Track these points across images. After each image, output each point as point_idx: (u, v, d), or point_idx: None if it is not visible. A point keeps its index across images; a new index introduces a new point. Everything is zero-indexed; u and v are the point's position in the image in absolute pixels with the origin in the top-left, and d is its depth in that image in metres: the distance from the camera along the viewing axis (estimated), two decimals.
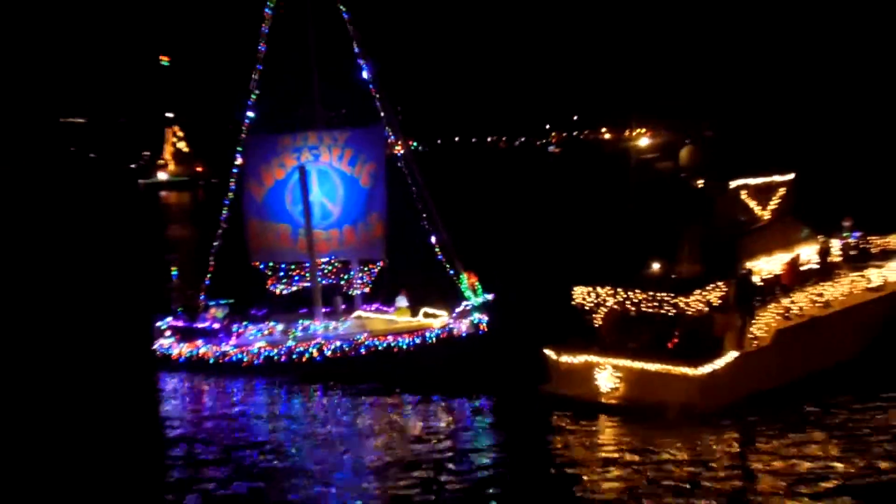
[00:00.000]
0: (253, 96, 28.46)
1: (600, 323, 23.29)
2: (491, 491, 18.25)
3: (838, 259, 25.85)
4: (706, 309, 21.82)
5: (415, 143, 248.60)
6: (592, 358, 22.50)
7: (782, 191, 25.10)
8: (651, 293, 22.36)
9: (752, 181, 24.49)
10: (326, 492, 18.79)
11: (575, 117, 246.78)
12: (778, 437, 20.03)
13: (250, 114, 28.72)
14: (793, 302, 23.05)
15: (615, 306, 22.89)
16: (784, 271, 24.00)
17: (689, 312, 21.82)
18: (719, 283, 22.01)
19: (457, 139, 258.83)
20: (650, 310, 22.28)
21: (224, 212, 29.38)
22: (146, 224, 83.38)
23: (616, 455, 19.76)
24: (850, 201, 47.56)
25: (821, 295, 23.77)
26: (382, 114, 27.66)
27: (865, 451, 19.05)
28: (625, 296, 22.72)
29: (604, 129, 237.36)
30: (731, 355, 21.59)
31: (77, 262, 55.99)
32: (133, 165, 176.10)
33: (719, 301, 21.92)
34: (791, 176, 25.35)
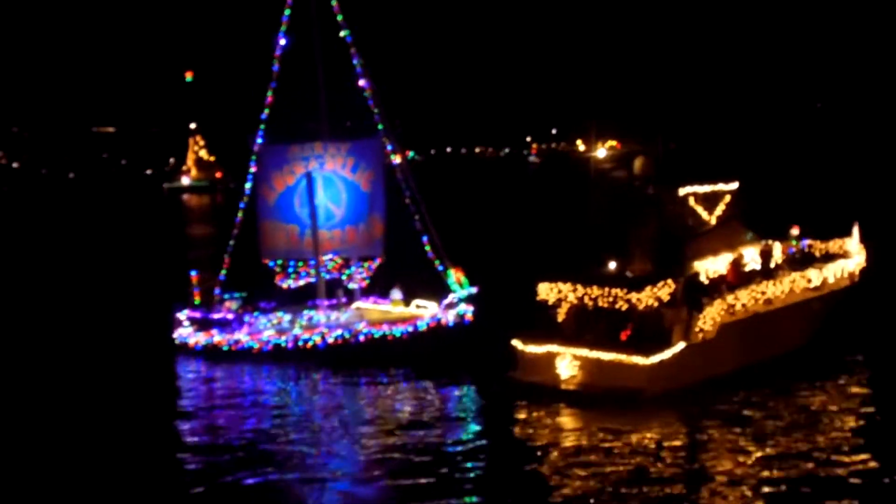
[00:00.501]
0: (266, 111, 28.46)
1: (562, 316, 23.33)
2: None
3: (780, 261, 25.76)
4: (656, 304, 21.91)
5: (412, 153, 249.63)
6: (554, 348, 22.54)
7: (728, 198, 25.06)
8: (606, 289, 22.40)
9: (699, 189, 24.50)
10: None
11: (554, 130, 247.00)
12: (722, 424, 20.00)
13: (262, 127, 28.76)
14: (736, 299, 23.07)
15: (575, 301, 22.92)
16: (728, 271, 24.02)
17: (641, 307, 21.88)
18: (668, 281, 22.10)
19: (448, 150, 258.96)
20: (605, 304, 22.39)
21: (239, 214, 29.32)
22: (169, 224, 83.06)
23: (572, 439, 19.66)
24: (795, 208, 48.11)
25: (763, 293, 23.80)
26: (381, 127, 27.76)
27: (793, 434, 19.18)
28: (583, 291, 22.73)
29: (578, 141, 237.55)
30: (679, 346, 21.79)
31: (106, 259, 55.78)
32: (158, 172, 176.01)
33: (668, 297, 21.99)
34: (735, 185, 25.25)
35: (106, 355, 28.69)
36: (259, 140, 28.82)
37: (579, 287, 22.78)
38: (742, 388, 22.02)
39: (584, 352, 22.14)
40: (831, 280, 25.76)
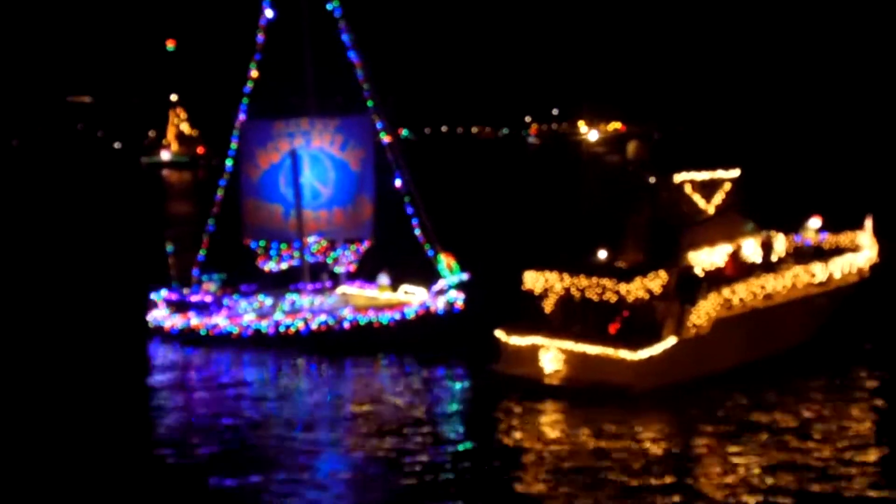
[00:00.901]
0: (249, 84, 28.46)
1: (549, 306, 23.19)
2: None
3: (784, 254, 25.49)
4: (647, 296, 21.77)
5: (405, 132, 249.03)
6: (538, 340, 22.37)
7: (728, 186, 24.83)
8: (595, 279, 22.24)
9: (696, 176, 24.26)
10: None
11: (555, 111, 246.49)
12: (717, 423, 19.91)
13: (246, 100, 28.76)
14: (733, 293, 22.89)
15: (561, 291, 22.76)
16: (727, 263, 23.85)
17: (630, 299, 21.75)
18: (660, 273, 21.96)
19: (444, 129, 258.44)
20: (593, 296, 22.22)
21: (219, 192, 29.34)
22: (147, 201, 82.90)
23: (554, 441, 19.48)
24: (806, 198, 48.10)
25: (763, 287, 23.59)
26: (371, 103, 27.78)
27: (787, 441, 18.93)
28: (570, 281, 22.59)
29: (580, 122, 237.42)
30: (670, 341, 21.61)
31: (80, 237, 55.74)
32: (136, 145, 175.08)
33: (660, 289, 21.86)
34: (737, 172, 25.00)
35: (77, 339, 28.74)
36: (242, 115, 28.85)
37: (566, 276, 22.61)
38: (739, 385, 21.97)
39: (570, 345, 21.92)
40: (838, 275, 25.60)
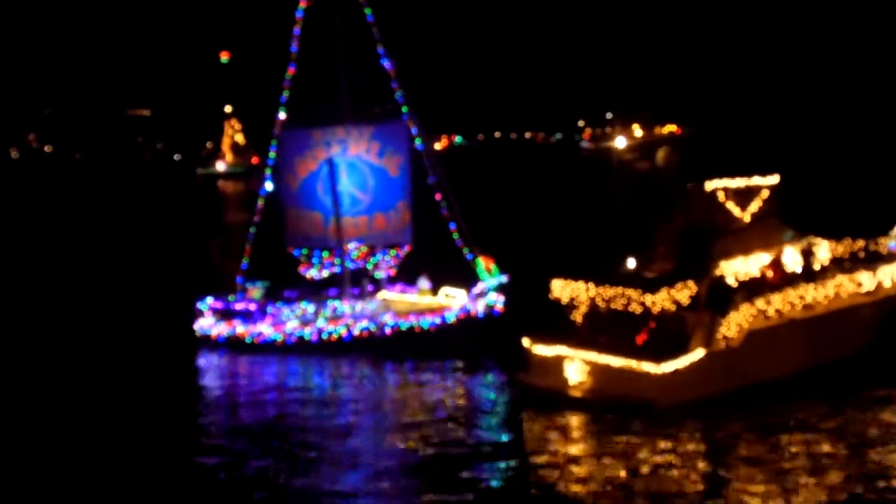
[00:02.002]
0: (286, 94, 28.92)
1: (579, 316, 22.80)
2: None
3: (827, 262, 24.31)
4: (673, 307, 21.16)
5: (458, 139, 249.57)
6: (563, 350, 21.94)
7: (765, 193, 23.88)
8: (620, 289, 21.70)
9: (730, 183, 23.42)
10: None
11: (609, 114, 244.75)
12: (752, 443, 19.05)
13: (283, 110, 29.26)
14: (769, 303, 22.13)
15: (587, 301, 22.35)
16: (764, 273, 23.06)
17: (655, 310, 21.16)
18: (689, 283, 21.39)
19: (497, 134, 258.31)
20: (619, 306, 21.70)
21: (259, 201, 29.85)
22: (201, 211, 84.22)
23: (578, 455, 19.14)
24: (851, 202, 47.06)
25: (801, 297, 22.77)
26: (405, 110, 28.12)
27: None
28: (595, 291, 22.16)
29: (634, 126, 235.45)
30: (698, 354, 20.94)
31: (135, 246, 56.89)
32: (193, 157, 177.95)
33: (689, 300, 21.25)
34: (775, 179, 24.01)
35: (127, 347, 29.39)
36: (278, 125, 29.30)
37: (591, 286, 22.21)
38: (776, 400, 21.07)
39: (594, 356, 21.41)
40: (888, 284, 24.40)
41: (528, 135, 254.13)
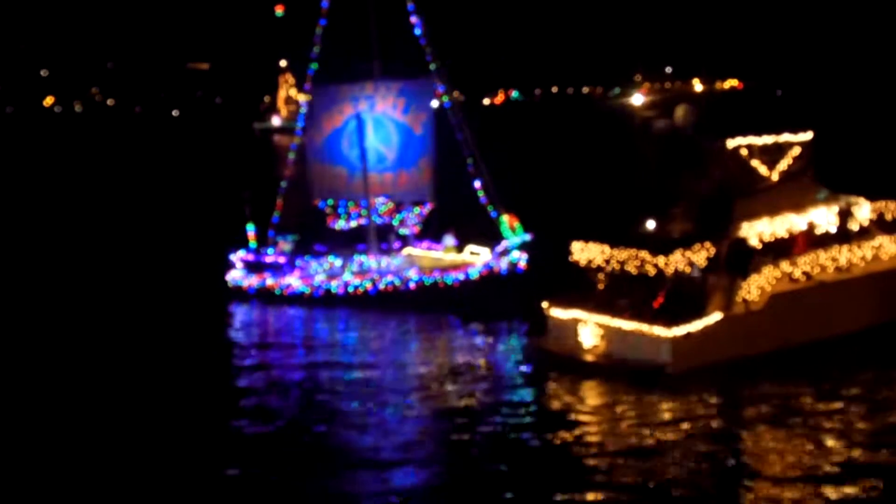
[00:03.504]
0: (315, 49, 28.98)
1: (598, 278, 22.22)
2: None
3: (867, 223, 23.15)
4: (688, 269, 20.52)
5: (515, 93, 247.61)
6: (578, 313, 21.51)
7: (796, 150, 22.69)
8: (633, 251, 21.08)
9: (755, 140, 22.24)
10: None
11: (668, 69, 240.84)
12: (773, 414, 18.05)
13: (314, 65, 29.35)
14: (794, 265, 21.36)
15: (603, 263, 21.75)
16: (793, 234, 22.13)
17: (669, 272, 20.54)
18: (707, 244, 20.73)
19: (555, 90, 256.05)
20: (633, 269, 21.11)
21: (290, 155, 30.09)
22: (254, 165, 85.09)
23: (590, 422, 18.44)
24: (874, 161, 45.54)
25: (834, 259, 21.91)
26: (433, 67, 28.05)
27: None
28: (610, 253, 21.57)
29: (695, 80, 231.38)
30: (714, 317, 20.31)
31: (179, 199, 57.85)
32: (251, 111, 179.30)
33: (705, 262, 20.61)
34: (808, 136, 22.86)
35: (161, 297, 30.11)
36: (309, 79, 29.46)
37: (606, 248, 21.66)
38: (799, 367, 20.31)
39: (607, 319, 21.01)
40: None
41: (585, 90, 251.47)
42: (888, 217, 24.19)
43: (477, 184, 27.68)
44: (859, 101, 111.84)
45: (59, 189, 67.64)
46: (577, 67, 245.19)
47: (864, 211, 23.21)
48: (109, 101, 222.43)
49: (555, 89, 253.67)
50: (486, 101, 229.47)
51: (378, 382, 21.17)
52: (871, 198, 23.81)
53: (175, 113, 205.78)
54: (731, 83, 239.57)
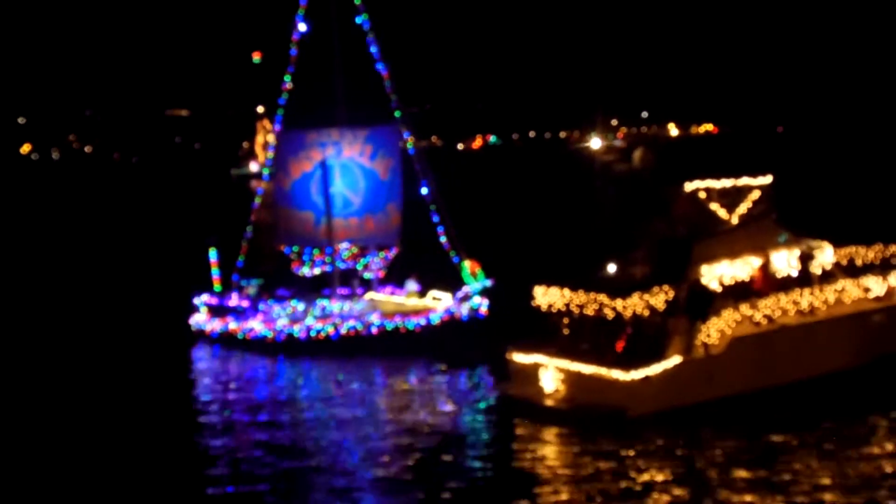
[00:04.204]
0: (284, 96, 29.34)
1: (560, 323, 21.98)
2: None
3: (830, 266, 22.99)
4: (647, 313, 20.44)
5: (493, 138, 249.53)
6: (539, 358, 21.28)
7: (755, 194, 22.71)
8: (592, 295, 20.99)
9: (713, 184, 22.32)
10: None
11: (644, 113, 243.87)
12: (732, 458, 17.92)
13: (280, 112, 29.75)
14: (754, 308, 21.26)
15: (562, 307, 21.61)
16: (754, 277, 22.06)
17: (627, 315, 20.51)
18: (665, 287, 20.64)
19: (532, 134, 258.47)
20: (591, 312, 21.02)
21: (256, 200, 30.28)
22: (228, 210, 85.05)
23: (555, 469, 18.13)
24: (858, 206, 46.17)
25: (795, 302, 21.80)
26: (398, 113, 28.54)
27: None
28: (570, 297, 21.46)
29: (670, 125, 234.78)
30: (672, 361, 20.12)
31: (162, 245, 57.91)
32: (228, 157, 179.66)
33: (664, 305, 20.48)
34: (767, 179, 22.87)
35: (126, 342, 30.01)
36: (277, 126, 29.74)
37: (567, 292, 21.55)
38: (761, 411, 20.08)
39: (566, 364, 20.75)
40: None
41: (562, 134, 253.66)
42: (857, 262, 24.28)
43: (440, 230, 27.96)
44: (829, 147, 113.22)
45: (32, 233, 67.56)
46: (551, 112, 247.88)
47: (827, 255, 23.10)
48: (87, 149, 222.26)
49: (532, 134, 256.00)
50: (461, 147, 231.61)
51: (335, 440, 20.43)
52: (837, 242, 23.79)
53: (132, 159, 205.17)
54: (706, 127, 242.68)
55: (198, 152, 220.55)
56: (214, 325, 29.31)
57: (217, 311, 29.65)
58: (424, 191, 28.37)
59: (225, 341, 28.89)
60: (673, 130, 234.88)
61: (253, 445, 20.02)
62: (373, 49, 28.50)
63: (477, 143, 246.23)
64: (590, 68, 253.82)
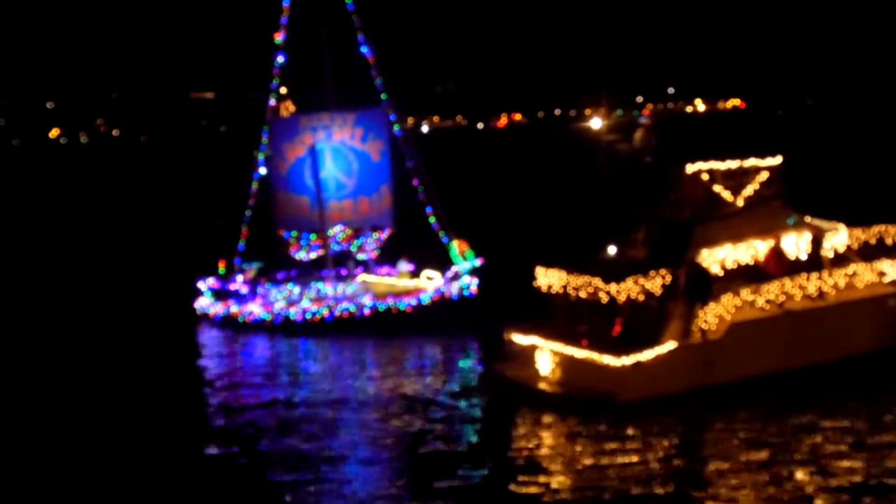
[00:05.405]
0: (275, 81, 29.87)
1: (557, 304, 21.63)
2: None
3: (843, 249, 22.43)
4: (642, 297, 20.09)
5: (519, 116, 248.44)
6: (536, 340, 21.16)
7: (764, 175, 22.07)
8: (587, 278, 20.65)
9: (717, 165, 21.73)
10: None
11: (670, 89, 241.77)
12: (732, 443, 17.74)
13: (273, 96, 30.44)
14: (756, 293, 20.73)
15: (561, 289, 21.29)
16: (761, 260, 21.50)
17: (621, 300, 20.14)
18: (663, 271, 20.30)
19: (557, 111, 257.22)
20: (585, 294, 20.65)
21: (253, 185, 30.87)
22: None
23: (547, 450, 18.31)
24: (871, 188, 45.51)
25: (802, 287, 21.16)
26: (385, 96, 29.04)
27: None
28: (567, 279, 21.14)
29: (697, 101, 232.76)
30: (668, 346, 19.80)
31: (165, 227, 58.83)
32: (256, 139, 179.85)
33: (662, 290, 20.18)
34: (776, 160, 22.19)
35: (132, 324, 30.91)
36: (270, 109, 30.39)
37: (563, 273, 21.25)
38: (762, 397, 19.78)
39: (560, 347, 20.58)
40: None
41: (587, 111, 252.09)
42: (878, 243, 23.54)
43: (428, 210, 28.49)
44: (851, 129, 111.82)
45: (49, 216, 68.85)
46: (567, 91, 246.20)
47: (840, 237, 22.52)
48: (115, 132, 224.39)
49: (557, 112, 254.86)
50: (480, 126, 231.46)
51: (332, 420, 20.72)
52: (851, 223, 23.21)
53: (157, 142, 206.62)
54: (733, 102, 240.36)
55: (223, 135, 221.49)
56: (218, 309, 30.02)
57: (219, 295, 30.36)
58: (413, 173, 28.88)
59: (227, 324, 29.62)
60: (700, 106, 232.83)
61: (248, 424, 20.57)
62: (359, 34, 28.97)
63: (502, 121, 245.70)
64: (613, 45, 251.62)
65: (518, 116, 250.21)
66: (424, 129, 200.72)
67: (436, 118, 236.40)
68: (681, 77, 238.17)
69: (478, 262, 27.45)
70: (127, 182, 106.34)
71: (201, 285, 30.86)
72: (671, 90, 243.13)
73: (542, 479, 16.80)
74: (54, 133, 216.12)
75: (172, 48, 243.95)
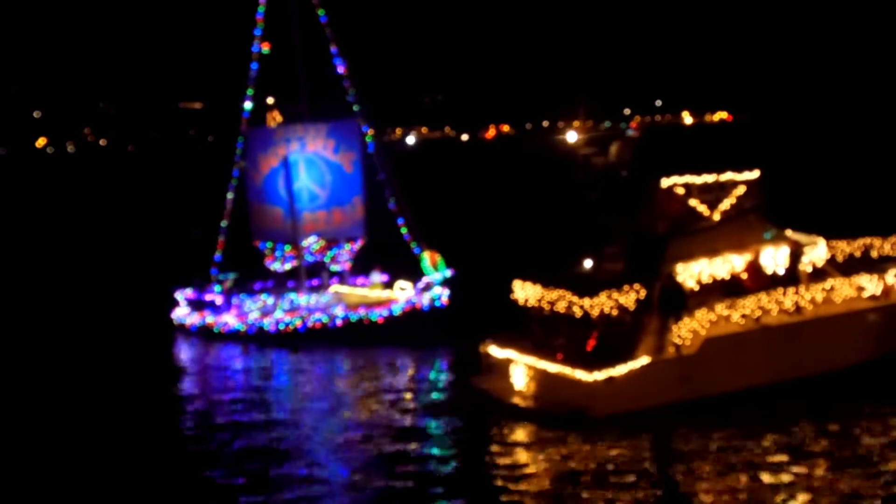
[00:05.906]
0: (249, 92, 30.18)
1: (533, 318, 21.71)
2: None
3: (822, 263, 22.22)
4: (616, 312, 20.09)
5: (507, 128, 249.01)
6: (511, 353, 21.25)
7: (740, 189, 21.94)
8: (561, 292, 20.65)
9: (692, 179, 21.59)
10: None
11: (658, 102, 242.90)
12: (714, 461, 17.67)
13: (248, 106, 30.71)
14: (731, 308, 20.62)
15: (536, 303, 21.38)
16: (737, 275, 21.40)
17: (594, 314, 20.05)
18: (636, 286, 20.24)
19: (545, 123, 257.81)
20: (561, 310, 20.62)
21: (228, 195, 31.08)
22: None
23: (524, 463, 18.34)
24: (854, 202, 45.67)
25: (778, 302, 21.09)
26: (357, 108, 29.53)
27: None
28: (542, 293, 21.19)
29: (684, 114, 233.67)
30: (640, 361, 19.79)
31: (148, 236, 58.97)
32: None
33: (635, 304, 20.13)
34: (754, 174, 22.04)
35: (112, 337, 30.85)
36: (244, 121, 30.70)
37: (539, 288, 21.30)
38: (734, 412, 19.64)
39: (534, 361, 20.61)
40: None
41: (576, 123, 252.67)
42: (862, 255, 23.51)
43: (399, 221, 28.80)
44: (835, 142, 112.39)
45: (31, 224, 68.90)
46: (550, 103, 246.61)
47: (819, 251, 22.26)
48: (102, 142, 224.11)
49: (545, 124, 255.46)
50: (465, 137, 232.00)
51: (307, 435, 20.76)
52: (830, 237, 23.12)
53: (144, 152, 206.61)
54: (720, 115, 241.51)
55: (211, 144, 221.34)
56: (194, 319, 30.22)
57: (195, 305, 30.56)
58: (384, 184, 29.20)
59: (203, 334, 29.83)
60: (687, 118, 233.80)
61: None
62: (332, 46, 29.30)
63: (490, 133, 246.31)
64: (602, 58, 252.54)
65: (506, 128, 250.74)
66: (410, 140, 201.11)
67: (424, 129, 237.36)
68: (669, 89, 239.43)
69: (449, 273, 27.73)
70: (110, 191, 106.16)
71: (178, 296, 31.07)
72: (659, 103, 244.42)
73: (515, 494, 16.83)
74: (41, 142, 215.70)
75: (161, 58, 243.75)
